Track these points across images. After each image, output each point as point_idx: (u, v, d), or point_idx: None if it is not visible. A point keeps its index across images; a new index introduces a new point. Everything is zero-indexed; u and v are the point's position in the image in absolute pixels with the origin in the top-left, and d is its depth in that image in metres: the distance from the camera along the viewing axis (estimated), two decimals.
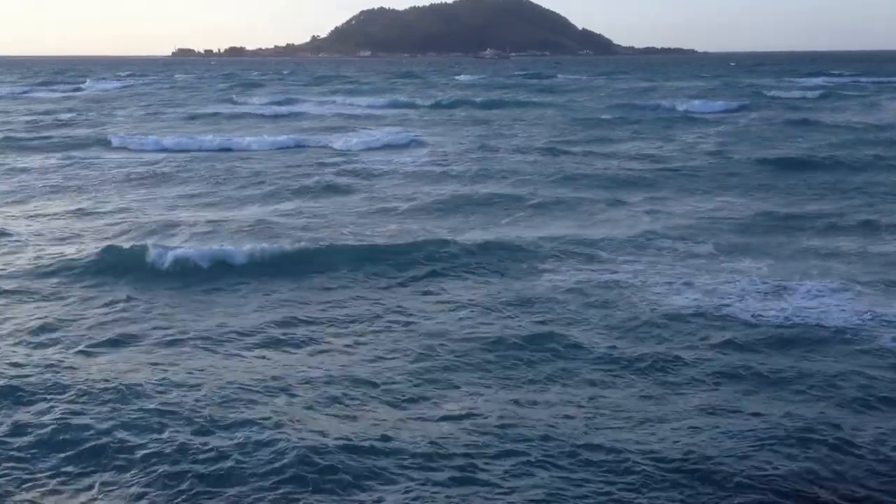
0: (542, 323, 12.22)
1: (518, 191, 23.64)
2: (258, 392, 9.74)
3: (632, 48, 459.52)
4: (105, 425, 8.79)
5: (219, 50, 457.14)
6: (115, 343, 11.46)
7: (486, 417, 9.17)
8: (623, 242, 17.02)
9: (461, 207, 21.40)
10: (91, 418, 8.95)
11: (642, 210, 20.92)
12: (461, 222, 19.70)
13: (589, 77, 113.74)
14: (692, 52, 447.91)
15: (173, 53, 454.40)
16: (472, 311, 12.81)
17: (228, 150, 34.25)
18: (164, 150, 33.97)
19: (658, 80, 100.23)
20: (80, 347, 11.18)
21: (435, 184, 25.36)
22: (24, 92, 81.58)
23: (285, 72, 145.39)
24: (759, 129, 39.40)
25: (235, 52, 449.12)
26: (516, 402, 9.58)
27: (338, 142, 36.65)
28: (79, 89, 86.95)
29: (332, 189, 24.29)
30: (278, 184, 25.20)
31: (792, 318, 12.33)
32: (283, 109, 55.38)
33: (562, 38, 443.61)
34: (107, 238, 17.43)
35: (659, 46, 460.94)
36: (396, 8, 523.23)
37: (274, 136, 37.94)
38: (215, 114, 51.43)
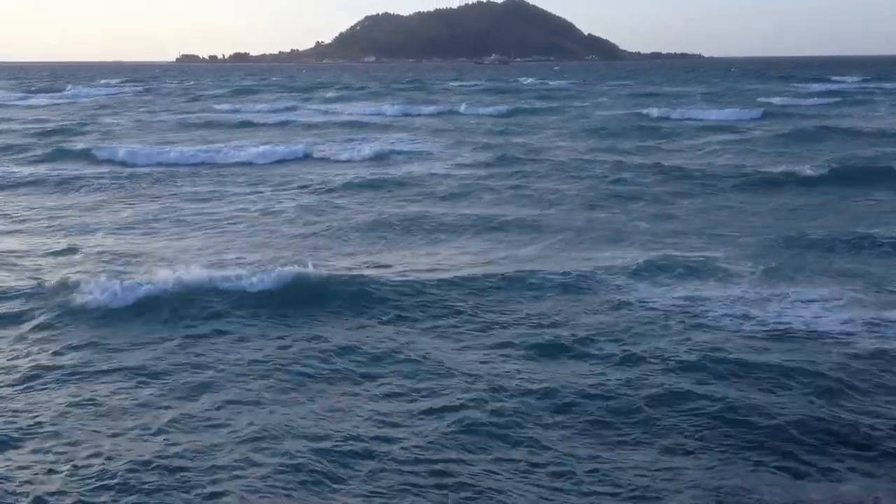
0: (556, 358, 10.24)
1: (537, 211, 21.33)
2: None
3: (638, 53, 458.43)
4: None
5: (223, 56, 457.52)
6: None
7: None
8: (646, 268, 14.91)
9: (472, 231, 18.98)
10: None
11: (667, 229, 18.73)
12: (472, 250, 17.21)
13: (596, 83, 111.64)
14: (699, 56, 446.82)
15: (177, 59, 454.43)
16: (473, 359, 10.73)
17: (210, 162, 32.10)
18: (147, 163, 31.85)
19: (667, 86, 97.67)
20: None
21: (442, 202, 23.08)
22: (21, 98, 79.90)
23: (274, 77, 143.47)
24: (778, 137, 37.20)
25: (240, 57, 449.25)
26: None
27: (333, 152, 34.66)
28: (76, 96, 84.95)
29: (323, 207, 21.96)
30: (262, 202, 23.07)
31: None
32: (279, 118, 53.33)
33: (567, 43, 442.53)
34: (42, 270, 15.34)
35: (665, 51, 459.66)
36: (401, 13, 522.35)
37: (266, 146, 35.72)
38: (204, 123, 49.23)
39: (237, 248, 17.22)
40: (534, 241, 17.87)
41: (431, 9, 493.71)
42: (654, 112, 52.19)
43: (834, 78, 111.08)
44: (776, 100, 64.60)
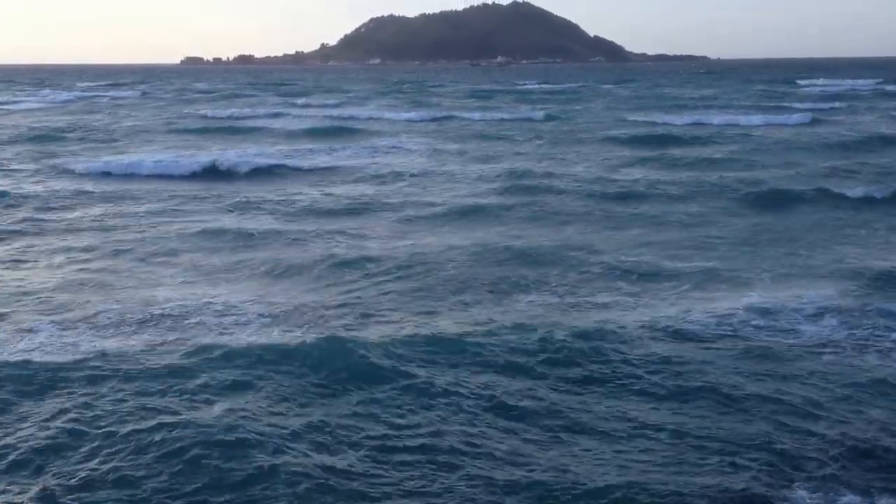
0: None
1: (559, 237, 18.21)
2: None
3: (644, 55, 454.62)
4: None
5: (228, 58, 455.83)
6: None
7: None
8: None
9: (487, 263, 15.53)
10: None
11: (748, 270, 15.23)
12: (498, 297, 13.77)
13: (602, 86, 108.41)
14: (704, 58, 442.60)
15: (182, 62, 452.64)
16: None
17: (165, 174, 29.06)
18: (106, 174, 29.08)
19: (687, 88, 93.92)
20: None
21: (441, 228, 19.56)
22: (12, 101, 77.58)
23: (253, 81, 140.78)
24: (843, 145, 34.19)
25: (244, 59, 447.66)
26: None
27: (311, 160, 31.97)
28: (69, 101, 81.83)
29: (295, 234, 18.74)
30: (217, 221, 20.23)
31: None
32: (258, 123, 50.67)
33: (573, 44, 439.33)
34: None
35: (671, 53, 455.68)
36: (406, 15, 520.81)
37: (237, 154, 32.93)
38: (174, 130, 46.23)
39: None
40: (584, 275, 14.80)
41: (436, 11, 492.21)
42: (679, 119, 48.28)
43: (849, 81, 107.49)
44: (806, 104, 60.57)
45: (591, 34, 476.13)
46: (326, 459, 8.01)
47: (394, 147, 37.30)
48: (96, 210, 21.86)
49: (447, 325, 11.94)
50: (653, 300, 13.27)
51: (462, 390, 9.57)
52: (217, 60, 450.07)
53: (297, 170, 30.04)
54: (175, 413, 8.88)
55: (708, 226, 19.43)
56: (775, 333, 11.50)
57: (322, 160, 32.77)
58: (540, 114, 54.74)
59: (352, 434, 8.51)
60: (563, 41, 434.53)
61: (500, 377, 9.99)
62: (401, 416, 8.98)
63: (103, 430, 8.55)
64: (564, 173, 27.81)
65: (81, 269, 15.59)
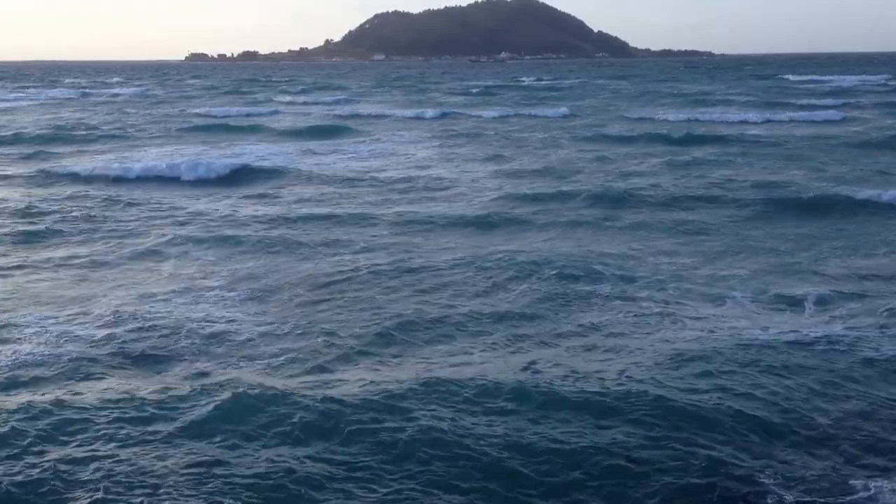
0: None
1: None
2: None
3: (648, 50, 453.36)
4: None
5: (232, 54, 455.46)
6: None
7: None
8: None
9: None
10: None
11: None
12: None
13: (615, 81, 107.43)
14: (709, 54, 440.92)
15: (186, 58, 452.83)
16: None
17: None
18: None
19: (694, 84, 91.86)
20: None
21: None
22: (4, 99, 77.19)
23: (256, 77, 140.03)
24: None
25: (249, 56, 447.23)
26: None
27: (309, 160, 31.37)
28: (68, 98, 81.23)
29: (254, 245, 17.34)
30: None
31: None
32: (261, 120, 50.27)
33: (577, 40, 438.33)
34: None
35: (675, 49, 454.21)
36: (411, 11, 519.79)
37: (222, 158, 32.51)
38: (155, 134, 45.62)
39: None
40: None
41: (441, 6, 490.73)
42: (684, 115, 47.13)
43: (849, 77, 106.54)
44: (824, 101, 59.49)
45: (596, 30, 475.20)
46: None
47: (393, 146, 36.81)
48: (88, 213, 21.30)
49: (439, 366, 10.65)
50: (651, 311, 12.75)
51: (454, 432, 9.10)
52: (222, 57, 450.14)
53: (296, 170, 28.83)
54: (162, 441, 8.47)
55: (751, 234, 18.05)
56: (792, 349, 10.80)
57: (321, 160, 32.17)
58: (541, 111, 54.34)
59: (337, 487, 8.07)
60: (568, 37, 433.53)
61: (491, 409, 9.51)
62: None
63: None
64: (567, 173, 27.20)
65: (73, 276, 15.07)
